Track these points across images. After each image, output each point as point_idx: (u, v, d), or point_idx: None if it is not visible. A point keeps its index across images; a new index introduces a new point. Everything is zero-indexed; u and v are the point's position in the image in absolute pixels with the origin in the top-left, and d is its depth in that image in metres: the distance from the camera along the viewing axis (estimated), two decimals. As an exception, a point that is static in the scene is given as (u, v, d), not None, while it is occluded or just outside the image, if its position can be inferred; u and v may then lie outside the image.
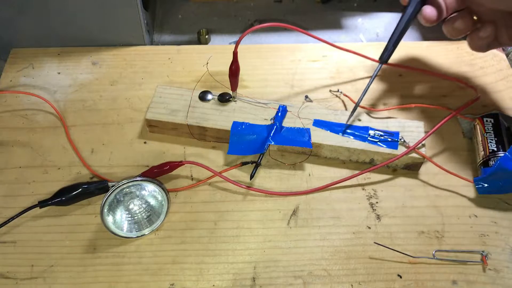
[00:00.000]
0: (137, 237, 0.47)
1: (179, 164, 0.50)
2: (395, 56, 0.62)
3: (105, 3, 0.58)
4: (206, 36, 0.66)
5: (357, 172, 0.51)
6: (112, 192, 0.45)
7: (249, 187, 0.50)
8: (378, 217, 0.48)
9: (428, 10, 0.48)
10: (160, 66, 0.62)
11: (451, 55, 0.62)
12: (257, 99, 0.55)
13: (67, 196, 0.47)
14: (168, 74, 0.61)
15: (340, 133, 0.51)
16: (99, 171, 0.52)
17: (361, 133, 0.52)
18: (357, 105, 0.52)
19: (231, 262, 0.45)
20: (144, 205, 0.47)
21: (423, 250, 0.46)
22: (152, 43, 0.67)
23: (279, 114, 0.53)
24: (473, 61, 0.62)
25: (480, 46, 0.51)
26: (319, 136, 0.51)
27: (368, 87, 0.52)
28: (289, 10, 0.71)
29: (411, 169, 0.52)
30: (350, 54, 0.60)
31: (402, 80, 0.60)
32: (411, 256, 0.45)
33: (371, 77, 0.52)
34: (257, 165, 0.50)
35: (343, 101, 0.58)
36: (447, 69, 0.61)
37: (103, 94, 0.59)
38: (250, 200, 0.50)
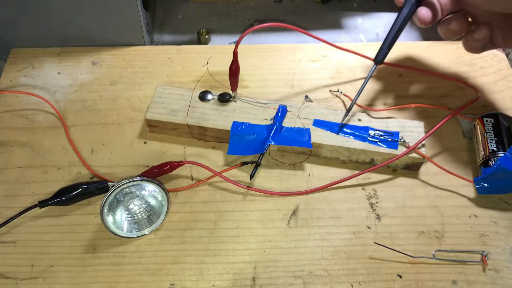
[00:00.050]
0: (137, 237, 0.47)
1: (179, 164, 0.50)
2: (395, 56, 0.62)
3: (105, 3, 0.58)
4: (206, 36, 0.66)
5: (357, 172, 0.51)
6: (112, 192, 0.45)
7: (249, 187, 0.50)
8: (378, 217, 0.48)
9: (423, 12, 0.48)
10: (160, 66, 0.62)
11: (451, 55, 0.62)
12: (257, 99, 0.55)
13: (67, 196, 0.47)
14: (168, 74, 0.61)
15: (339, 133, 0.51)
16: (99, 171, 0.52)
17: (361, 133, 0.52)
18: (352, 105, 0.52)
19: (231, 262, 0.46)
20: (144, 205, 0.47)
21: (423, 250, 0.46)
22: (152, 43, 0.67)
23: (279, 114, 0.53)
24: (473, 61, 0.62)
25: (475, 48, 0.51)
26: (319, 136, 0.51)
27: (363, 88, 0.52)
28: (289, 10, 0.71)
29: (411, 169, 0.52)
30: (350, 54, 0.60)
31: (402, 80, 0.60)
32: (411, 256, 0.45)
33: (370, 76, 0.52)
34: (257, 165, 0.50)
35: (343, 101, 0.58)
36: (447, 69, 0.61)
37: (103, 94, 0.59)
38: (250, 200, 0.50)
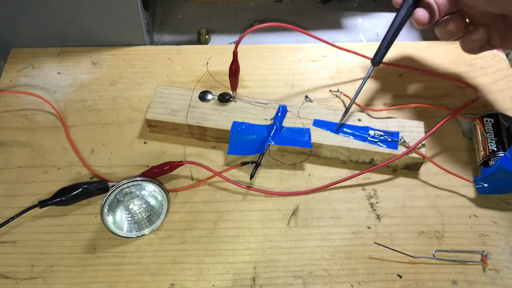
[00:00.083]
0: (137, 237, 0.47)
1: (179, 164, 0.50)
2: (395, 56, 0.62)
3: (105, 3, 0.58)
4: (206, 36, 0.66)
5: (357, 172, 0.51)
6: (112, 192, 0.45)
7: (249, 187, 0.50)
8: (378, 217, 0.48)
9: (420, 13, 0.48)
10: (160, 66, 0.62)
11: (451, 55, 0.62)
12: (257, 99, 0.55)
13: (67, 196, 0.47)
14: (168, 74, 0.61)
15: (339, 133, 0.51)
16: (99, 171, 0.52)
17: (361, 133, 0.52)
18: (350, 105, 0.52)
19: (231, 262, 0.45)
20: (144, 205, 0.47)
21: (423, 250, 0.46)
22: (152, 43, 0.67)
23: (279, 114, 0.53)
24: (473, 61, 0.62)
25: (472, 49, 0.51)
26: (319, 136, 0.51)
27: (361, 89, 0.52)
28: (289, 10, 0.71)
29: (411, 169, 0.52)
30: (350, 54, 0.60)
31: (402, 80, 0.60)
32: (411, 256, 0.45)
33: (368, 77, 0.52)
34: (257, 165, 0.50)
35: (343, 101, 0.58)
36: (447, 69, 0.61)
37: (103, 94, 0.59)
38: (250, 200, 0.50)
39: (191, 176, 0.51)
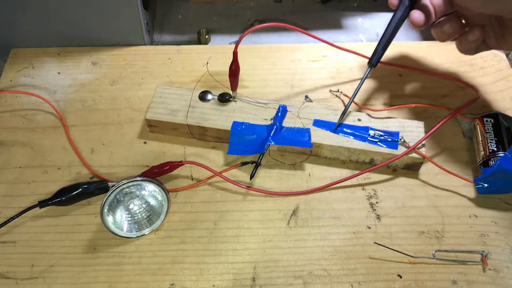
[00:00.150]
0: (137, 237, 0.47)
1: (179, 164, 0.50)
2: (395, 56, 0.62)
3: (105, 3, 0.58)
4: (206, 36, 0.66)
5: (357, 172, 0.51)
6: (112, 192, 0.45)
7: (249, 187, 0.50)
8: (378, 217, 0.48)
9: (416, 15, 0.49)
10: (160, 66, 0.62)
11: (451, 55, 0.62)
12: (257, 99, 0.55)
13: (67, 196, 0.47)
14: (168, 74, 0.61)
15: (338, 133, 0.51)
16: (99, 171, 0.52)
17: (361, 133, 0.52)
18: (347, 106, 0.52)
19: (231, 262, 0.45)
20: (144, 205, 0.47)
21: (423, 250, 0.46)
22: (152, 43, 0.67)
23: (279, 114, 0.53)
24: (473, 61, 0.62)
25: (468, 49, 0.52)
26: (319, 136, 0.51)
27: (358, 90, 0.52)
28: (289, 10, 0.71)
29: (411, 169, 0.52)
30: (350, 54, 0.60)
31: (402, 80, 0.60)
32: (411, 256, 0.45)
33: (367, 78, 0.52)
34: (257, 165, 0.50)
35: (343, 101, 0.58)
36: (447, 69, 0.61)
37: (103, 94, 0.59)
38: (250, 200, 0.50)
39: (191, 176, 0.51)
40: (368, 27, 0.69)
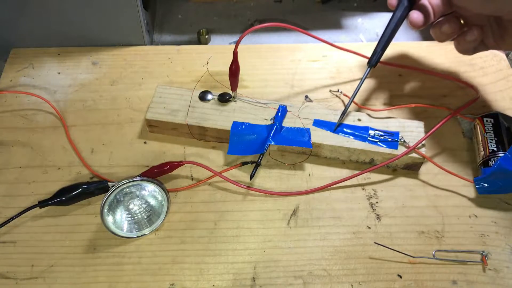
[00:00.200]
0: (137, 237, 0.47)
1: (179, 164, 0.50)
2: (395, 56, 0.62)
3: (105, 3, 0.58)
4: (206, 36, 0.66)
5: (357, 172, 0.51)
6: (112, 192, 0.45)
7: (249, 187, 0.50)
8: (378, 217, 0.48)
9: (415, 15, 0.49)
10: (160, 66, 0.62)
11: (451, 55, 0.62)
12: (257, 99, 0.55)
13: (67, 196, 0.47)
14: (168, 74, 0.61)
15: (338, 133, 0.51)
16: (99, 171, 0.52)
17: (361, 133, 0.52)
18: (347, 106, 0.52)
19: (231, 262, 0.45)
20: (144, 205, 0.47)
21: (423, 250, 0.46)
22: (152, 43, 0.67)
23: (279, 114, 0.53)
24: (473, 61, 0.62)
25: (467, 49, 0.52)
26: (319, 136, 0.51)
27: (358, 90, 0.52)
28: (289, 10, 0.71)
29: (411, 169, 0.52)
30: (350, 54, 0.60)
31: (402, 80, 0.60)
32: (411, 256, 0.45)
33: (367, 78, 0.52)
34: (257, 165, 0.50)
35: (343, 101, 0.58)
36: (447, 69, 0.61)
37: (103, 94, 0.59)
38: (250, 200, 0.50)
39: (191, 176, 0.51)
40: (368, 27, 0.69)
